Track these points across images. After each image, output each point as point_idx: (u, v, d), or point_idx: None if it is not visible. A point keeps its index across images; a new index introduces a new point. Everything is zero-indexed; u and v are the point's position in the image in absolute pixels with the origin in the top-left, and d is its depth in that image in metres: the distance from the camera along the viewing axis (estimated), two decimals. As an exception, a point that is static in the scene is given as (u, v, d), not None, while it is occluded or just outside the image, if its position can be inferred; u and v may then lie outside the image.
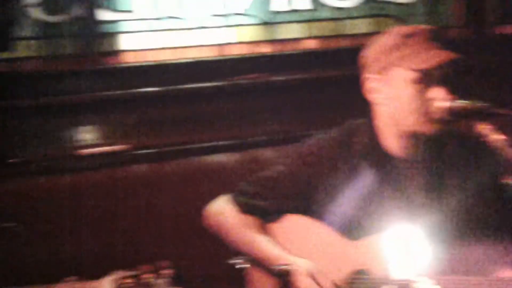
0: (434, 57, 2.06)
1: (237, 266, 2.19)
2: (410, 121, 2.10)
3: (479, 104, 1.98)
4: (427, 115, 2.07)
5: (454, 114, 2.03)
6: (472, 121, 1.95)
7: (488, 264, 2.15)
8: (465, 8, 3.62)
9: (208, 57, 3.32)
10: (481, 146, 2.02)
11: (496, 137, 1.88)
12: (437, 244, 2.07)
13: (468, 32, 3.63)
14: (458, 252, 2.12)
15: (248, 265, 2.24)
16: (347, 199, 2.19)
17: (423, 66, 2.05)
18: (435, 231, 2.11)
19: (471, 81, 2.76)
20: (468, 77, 2.44)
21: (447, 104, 2.03)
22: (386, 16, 3.55)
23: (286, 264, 2.12)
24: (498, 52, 3.59)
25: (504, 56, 3.60)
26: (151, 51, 3.27)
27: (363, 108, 2.24)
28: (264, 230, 2.31)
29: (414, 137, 2.14)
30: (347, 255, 2.15)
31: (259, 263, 2.24)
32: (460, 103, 2.02)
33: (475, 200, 2.17)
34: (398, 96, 2.11)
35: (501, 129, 1.89)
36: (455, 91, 2.06)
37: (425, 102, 2.07)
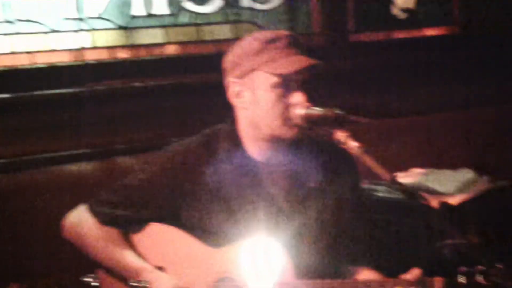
0: (293, 62, 2.08)
1: (91, 283, 2.10)
2: (270, 125, 2.10)
3: (334, 111, 2.01)
4: (286, 120, 2.08)
5: (310, 121, 2.05)
6: (329, 128, 1.98)
7: (345, 266, 2.21)
8: (325, 16, 3.70)
9: (63, 62, 3.20)
10: (339, 152, 2.06)
11: (352, 144, 1.91)
12: (298, 248, 2.10)
13: (327, 39, 3.72)
14: (317, 254, 2.15)
15: (97, 283, 2.15)
16: (210, 206, 2.16)
17: (283, 71, 2.07)
18: (297, 235, 2.14)
19: (328, 87, 2.81)
20: (326, 83, 2.48)
21: (303, 111, 2.06)
22: (247, 22, 3.56)
23: (143, 281, 2.06)
24: (356, 58, 3.71)
25: (362, 63, 3.71)
26: (2, 56, 3.11)
27: (226, 113, 2.22)
28: (125, 241, 2.24)
29: (275, 142, 2.14)
30: (211, 263, 2.12)
31: (121, 277, 2.17)
32: (316, 110, 2.04)
33: (335, 205, 2.21)
34: (258, 100, 2.11)
35: (356, 136, 1.93)
36: (314, 97, 2.08)
37: (284, 107, 2.08)
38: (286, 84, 2.08)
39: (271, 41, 2.11)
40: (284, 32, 2.17)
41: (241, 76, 2.14)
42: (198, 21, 3.48)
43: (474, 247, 1.67)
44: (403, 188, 2.02)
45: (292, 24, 3.65)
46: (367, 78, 3.65)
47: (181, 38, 3.45)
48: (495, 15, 4.01)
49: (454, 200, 2.78)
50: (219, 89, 2.21)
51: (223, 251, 2.11)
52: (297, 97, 2.07)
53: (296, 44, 2.13)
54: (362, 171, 2.17)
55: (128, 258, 2.18)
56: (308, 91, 2.09)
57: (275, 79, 2.08)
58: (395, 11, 3.89)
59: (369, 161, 1.87)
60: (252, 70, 2.11)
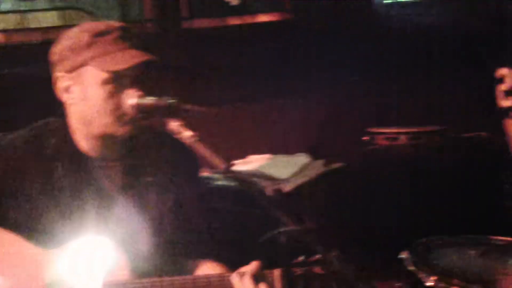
0: (125, 58, 1.99)
1: None
2: (102, 122, 2.01)
3: (167, 100, 1.95)
4: (119, 117, 2.00)
5: (143, 111, 1.98)
6: (163, 118, 1.93)
7: (186, 261, 2.18)
8: (157, 2, 3.63)
9: None
10: (174, 142, 2.00)
11: (185, 133, 1.87)
12: (135, 245, 2.04)
13: (159, 26, 3.65)
14: (155, 250, 2.10)
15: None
16: (40, 205, 2.04)
17: (115, 67, 1.98)
18: (134, 231, 2.07)
19: (162, 76, 2.75)
20: (159, 72, 2.42)
21: (135, 101, 1.98)
22: (75, 8, 3.42)
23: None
24: (190, 46, 3.67)
25: (196, 51, 3.68)
26: None
27: (56, 107, 2.11)
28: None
29: (107, 138, 2.06)
30: (41, 265, 2.01)
31: None
32: (148, 99, 1.98)
33: (174, 198, 2.15)
34: (89, 96, 2.01)
35: (190, 124, 1.89)
36: (146, 87, 2.02)
37: (116, 104, 1.99)
38: (118, 80, 1.99)
39: (101, 34, 2.01)
40: (115, 24, 2.06)
41: (70, 71, 2.02)
42: (23, 8, 3.29)
43: (310, 233, 1.69)
44: (237, 176, 2.01)
45: (123, 10, 3.54)
46: (202, 65, 3.62)
47: (4, 25, 3.25)
48: (326, 2, 4.11)
49: (289, 185, 2.82)
50: (47, 81, 2.09)
51: (54, 252, 2.00)
52: (130, 92, 1.99)
53: (128, 37, 2.04)
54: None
55: None
56: (141, 83, 2.01)
57: (105, 76, 1.99)
58: (229, -3, 3.89)
59: (203, 150, 1.84)
60: (82, 64, 2.01)
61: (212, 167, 1.85)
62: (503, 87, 2.63)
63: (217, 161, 1.80)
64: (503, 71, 2.63)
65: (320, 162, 3.16)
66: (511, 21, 4.12)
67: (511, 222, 2.79)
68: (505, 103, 2.62)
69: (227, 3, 3.89)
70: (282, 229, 1.68)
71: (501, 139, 2.73)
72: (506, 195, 2.80)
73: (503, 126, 2.67)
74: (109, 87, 1.99)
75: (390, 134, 3.52)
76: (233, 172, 1.99)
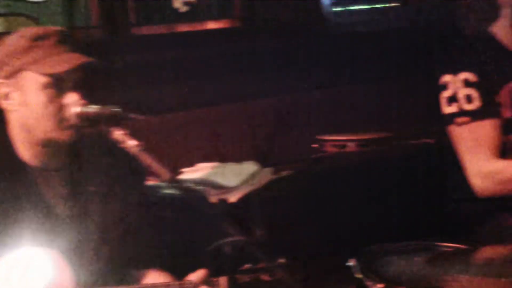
0: (64, 61, 1.96)
1: None
2: (43, 128, 1.98)
3: (110, 109, 1.93)
4: (61, 121, 1.97)
5: (86, 120, 1.95)
6: (107, 127, 1.90)
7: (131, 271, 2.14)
8: (104, 8, 3.58)
9: None
10: (119, 151, 1.97)
11: (129, 143, 1.85)
12: (79, 257, 2.00)
13: (107, 33, 3.60)
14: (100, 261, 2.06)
15: None
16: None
17: (54, 70, 1.95)
18: (78, 242, 2.03)
19: (107, 83, 2.71)
20: (103, 80, 2.38)
21: (78, 109, 1.95)
22: (17, 15, 3.35)
23: None
24: (136, 53, 3.63)
25: (142, 58, 3.64)
26: None
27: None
28: None
29: (49, 145, 2.02)
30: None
31: None
32: (92, 108, 1.95)
33: (119, 208, 2.12)
34: (29, 102, 1.98)
35: (134, 133, 1.87)
36: (89, 95, 1.99)
37: (58, 108, 1.96)
38: (59, 84, 1.96)
39: (39, 38, 1.98)
40: (53, 28, 2.04)
41: (8, 77, 1.98)
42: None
43: (255, 243, 1.68)
44: (181, 186, 2.00)
45: (69, 17, 3.48)
46: (149, 73, 3.58)
47: None
48: (275, 9, 4.11)
49: (236, 194, 2.80)
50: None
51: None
52: (71, 97, 1.96)
53: (67, 40, 2.01)
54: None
55: None
56: (84, 89, 1.98)
57: (45, 79, 1.95)
58: (177, 4, 3.86)
59: (148, 160, 1.82)
60: (20, 70, 1.97)
61: (157, 176, 1.82)
62: (446, 93, 2.66)
63: (161, 170, 1.78)
64: (447, 78, 2.66)
65: (268, 170, 3.15)
66: (456, 29, 4.19)
67: (458, 228, 2.82)
68: (449, 109, 2.65)
69: (176, 9, 3.86)
70: (227, 239, 1.67)
71: (447, 145, 2.76)
72: (453, 202, 2.83)
73: (448, 133, 2.70)
74: (49, 92, 1.96)
75: (338, 141, 3.53)
76: (178, 181, 1.97)
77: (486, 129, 2.59)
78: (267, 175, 3.09)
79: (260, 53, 3.90)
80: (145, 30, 3.78)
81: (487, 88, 2.60)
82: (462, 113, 2.61)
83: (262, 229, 2.72)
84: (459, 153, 2.67)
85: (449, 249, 2.24)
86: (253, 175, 3.07)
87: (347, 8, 4.49)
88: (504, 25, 2.70)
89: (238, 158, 3.30)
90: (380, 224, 3.12)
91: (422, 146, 3.62)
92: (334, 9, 4.42)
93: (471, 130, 2.60)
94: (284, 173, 3.12)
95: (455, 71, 2.63)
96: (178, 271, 2.08)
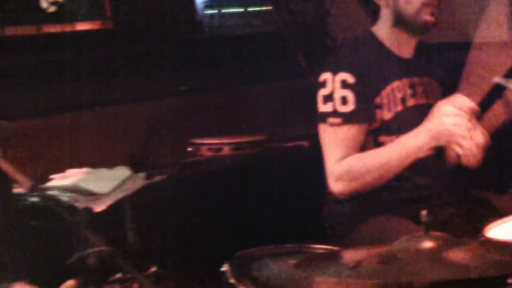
0: None
1: None
2: None
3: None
4: None
5: None
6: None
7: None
8: None
9: None
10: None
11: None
12: None
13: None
14: None
15: None
16: None
17: None
18: None
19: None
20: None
21: None
22: None
23: None
24: (3, 54, 3.47)
25: (9, 60, 3.49)
26: None
27: None
28: None
29: None
30: None
31: None
32: None
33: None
34: None
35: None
36: None
37: None
38: None
39: None
40: None
41: None
42: None
43: (124, 252, 1.62)
44: (45, 195, 1.91)
45: None
46: (16, 76, 3.43)
47: None
48: (147, 11, 4.04)
49: (107, 201, 2.72)
50: None
51: None
52: None
53: None
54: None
55: None
56: None
57: None
58: (44, 4, 3.70)
59: (8, 168, 1.72)
60: None
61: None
62: (323, 91, 2.66)
63: (21, 178, 1.69)
64: (326, 76, 2.66)
65: (141, 175, 3.08)
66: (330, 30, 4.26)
67: (332, 230, 2.85)
68: (323, 108, 2.66)
69: (43, 10, 3.70)
70: (91, 250, 1.60)
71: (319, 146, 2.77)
72: (326, 203, 2.85)
73: (319, 131, 2.71)
74: None
75: (213, 145, 3.50)
76: (40, 189, 1.88)
77: (351, 132, 2.62)
78: (139, 180, 3.02)
79: (131, 56, 3.82)
80: (10, 31, 3.61)
81: (365, 90, 2.62)
82: (335, 113, 2.63)
83: (133, 237, 2.65)
84: (323, 153, 2.69)
85: (320, 251, 2.25)
86: (125, 181, 2.99)
87: (221, 11, 4.47)
88: (384, 26, 2.74)
89: (110, 163, 3.21)
90: (255, 228, 3.12)
91: (298, 148, 3.65)
92: (206, 12, 4.40)
93: (338, 131, 2.62)
94: (158, 178, 3.06)
95: (334, 71, 2.64)
96: (47, 283, 1.99)
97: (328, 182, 2.63)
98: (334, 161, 2.60)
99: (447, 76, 2.87)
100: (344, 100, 2.61)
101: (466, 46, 3.07)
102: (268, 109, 4.12)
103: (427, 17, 2.64)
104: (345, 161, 2.59)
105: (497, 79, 2.62)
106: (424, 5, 2.63)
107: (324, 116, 2.67)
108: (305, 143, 3.63)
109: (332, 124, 2.63)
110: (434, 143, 2.53)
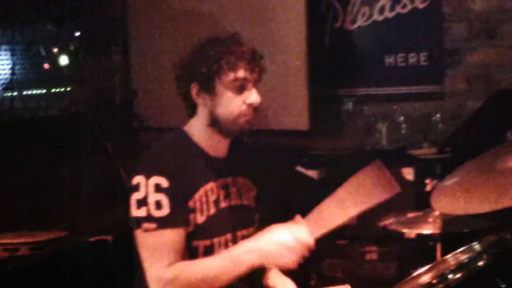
0: None
1: None
2: None
3: None
4: None
5: None
6: None
7: None
8: None
9: None
10: None
11: None
12: None
13: None
14: None
15: None
16: None
17: None
18: None
19: None
20: None
21: None
22: None
23: None
24: None
25: None
26: None
27: None
28: None
29: None
30: None
31: None
32: None
33: None
34: None
35: None
36: None
37: None
38: None
39: None
40: None
41: None
42: None
43: None
44: None
45: None
46: None
47: None
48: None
49: None
50: None
51: None
52: None
53: None
54: None
55: None
56: None
57: None
58: None
59: None
60: None
61: None
62: (136, 195, 2.50)
63: None
64: (138, 179, 2.50)
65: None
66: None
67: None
68: (137, 213, 2.50)
69: None
70: None
71: (127, 242, 2.61)
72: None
73: (134, 238, 2.54)
74: None
75: (9, 245, 3.21)
76: None
77: (170, 237, 2.49)
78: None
79: None
80: None
81: (178, 194, 2.51)
82: (149, 218, 2.49)
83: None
84: (141, 258, 2.53)
85: None
86: None
87: (23, 93, 4.20)
88: (199, 124, 2.65)
89: None
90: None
91: (100, 243, 3.47)
92: (6, 94, 4.12)
93: (155, 237, 2.49)
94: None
95: (147, 174, 2.50)
96: None
97: None
98: (161, 267, 2.45)
99: (261, 173, 2.83)
100: (158, 205, 2.48)
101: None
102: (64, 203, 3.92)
103: (243, 126, 2.60)
104: (173, 267, 2.45)
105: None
106: (242, 115, 2.59)
107: (138, 221, 2.51)
108: (109, 238, 3.45)
109: (147, 230, 2.49)
110: (264, 263, 2.49)
